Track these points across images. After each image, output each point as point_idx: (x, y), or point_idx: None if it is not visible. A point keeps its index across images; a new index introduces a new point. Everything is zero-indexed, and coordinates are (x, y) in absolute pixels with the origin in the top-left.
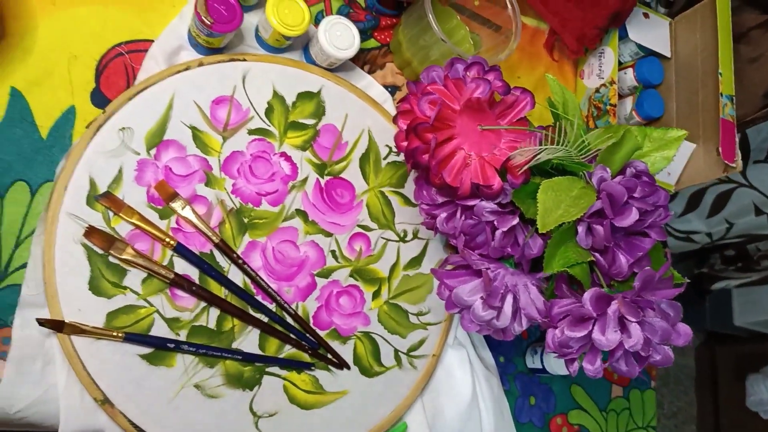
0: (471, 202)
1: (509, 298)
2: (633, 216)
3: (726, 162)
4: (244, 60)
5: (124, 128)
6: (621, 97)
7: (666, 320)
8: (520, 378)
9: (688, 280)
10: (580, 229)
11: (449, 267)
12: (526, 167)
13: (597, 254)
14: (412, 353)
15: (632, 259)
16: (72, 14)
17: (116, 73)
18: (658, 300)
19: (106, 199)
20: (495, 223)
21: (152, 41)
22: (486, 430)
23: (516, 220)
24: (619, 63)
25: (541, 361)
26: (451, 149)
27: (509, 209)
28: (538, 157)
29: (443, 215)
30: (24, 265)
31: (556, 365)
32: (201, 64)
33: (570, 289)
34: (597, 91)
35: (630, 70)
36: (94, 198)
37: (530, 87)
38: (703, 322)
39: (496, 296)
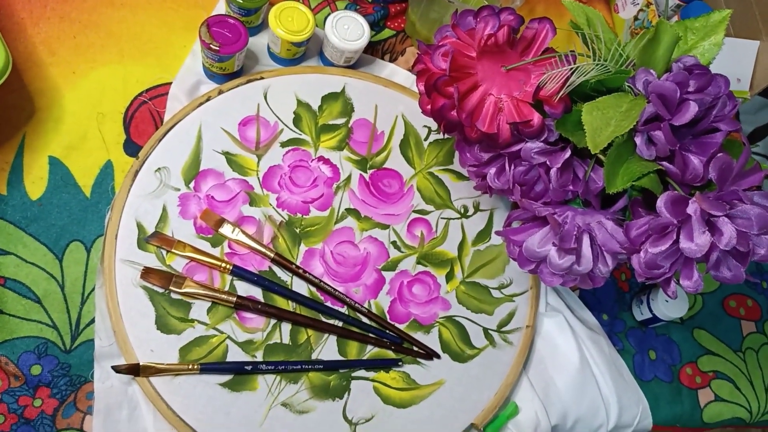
0: (516, 147)
1: (585, 239)
2: (692, 110)
3: None
4: (262, 78)
5: (159, 168)
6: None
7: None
8: (633, 334)
9: None
10: (639, 140)
11: (515, 225)
12: (562, 93)
13: (665, 162)
14: (503, 329)
15: (705, 158)
16: (93, 78)
17: (144, 121)
18: (749, 193)
19: (156, 239)
20: (547, 162)
21: (171, 83)
22: (606, 393)
23: (568, 153)
24: None
25: (650, 310)
26: (478, 98)
27: (559, 145)
28: (571, 79)
29: (492, 171)
30: (93, 320)
31: (666, 308)
32: (221, 92)
33: (648, 212)
34: (636, 18)
35: None
36: (144, 240)
37: (564, 35)
38: None
39: (570, 239)
